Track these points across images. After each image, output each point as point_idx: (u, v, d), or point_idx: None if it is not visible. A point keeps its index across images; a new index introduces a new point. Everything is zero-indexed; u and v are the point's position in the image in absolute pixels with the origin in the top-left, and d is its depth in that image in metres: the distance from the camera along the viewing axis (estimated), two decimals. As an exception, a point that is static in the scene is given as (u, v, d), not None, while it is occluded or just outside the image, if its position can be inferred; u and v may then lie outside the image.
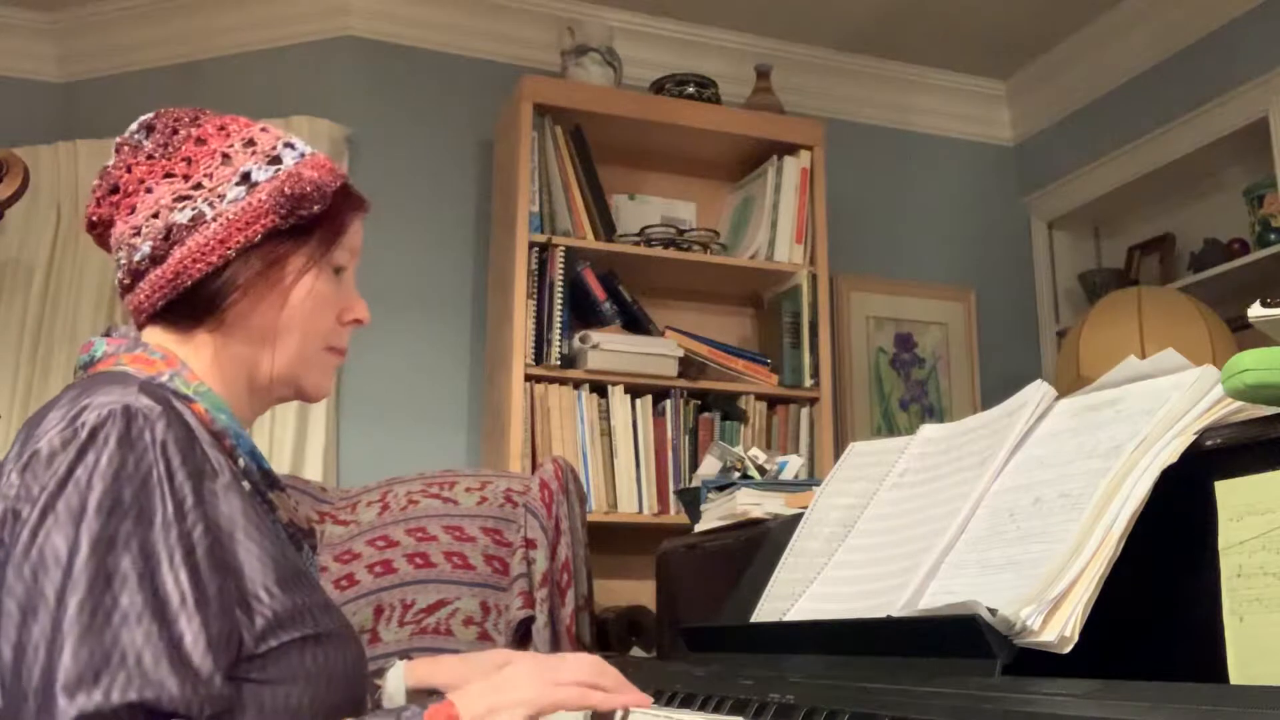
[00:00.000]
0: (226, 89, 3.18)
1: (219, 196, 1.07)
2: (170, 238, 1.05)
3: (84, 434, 0.91)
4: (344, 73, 3.25)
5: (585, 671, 1.04)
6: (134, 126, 1.12)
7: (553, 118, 3.04)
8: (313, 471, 2.89)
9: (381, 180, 3.16)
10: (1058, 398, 1.17)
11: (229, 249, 1.06)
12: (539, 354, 2.87)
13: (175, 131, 1.10)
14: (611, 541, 2.79)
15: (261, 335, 1.10)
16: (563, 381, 2.90)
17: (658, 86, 3.26)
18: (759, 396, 3.08)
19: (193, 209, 1.06)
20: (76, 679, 0.83)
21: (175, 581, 0.89)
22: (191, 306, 1.07)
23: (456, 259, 3.25)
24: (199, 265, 1.05)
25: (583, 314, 3.02)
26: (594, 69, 3.14)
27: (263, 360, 1.11)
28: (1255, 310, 0.93)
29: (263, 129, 1.13)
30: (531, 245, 2.91)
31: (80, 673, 0.83)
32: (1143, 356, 1.08)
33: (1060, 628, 0.90)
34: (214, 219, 1.06)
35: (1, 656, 0.88)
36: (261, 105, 3.07)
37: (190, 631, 0.88)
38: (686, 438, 2.98)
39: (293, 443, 2.90)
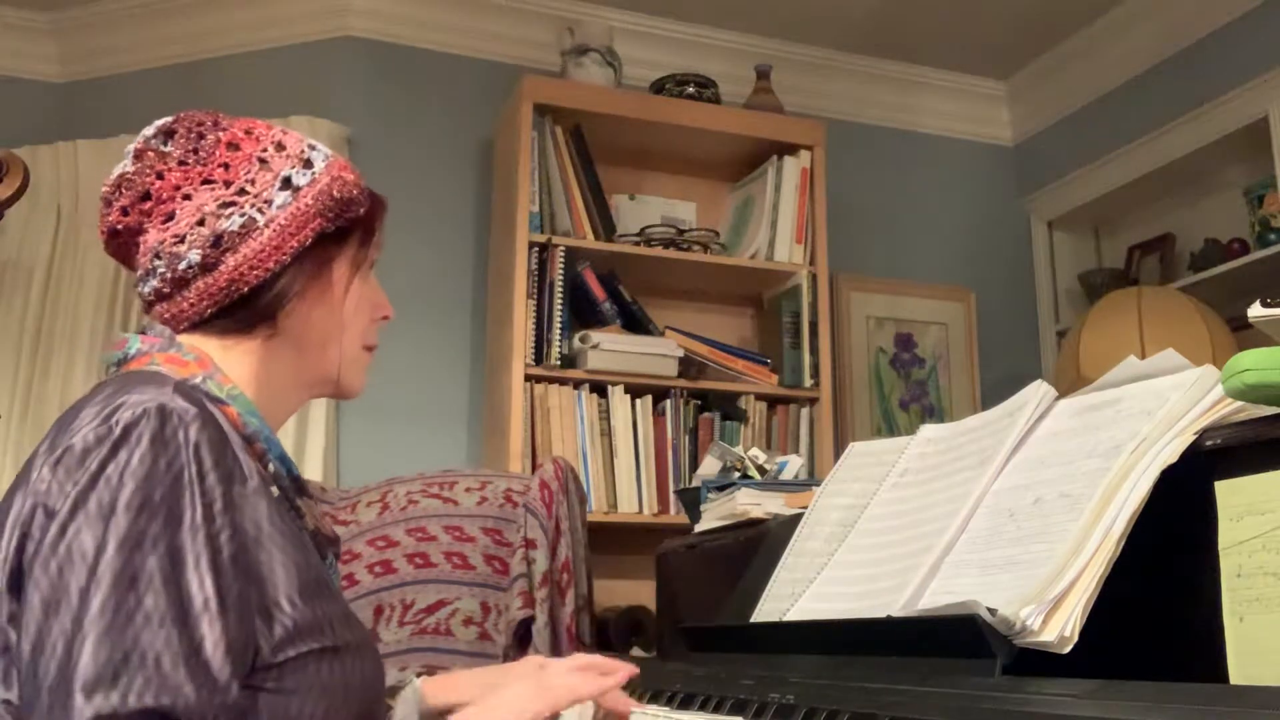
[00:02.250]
0: (226, 89, 3.18)
1: (266, 202, 1.06)
2: (221, 245, 1.04)
3: (118, 431, 0.90)
4: (344, 73, 3.25)
5: (574, 673, 1.09)
6: (150, 131, 1.10)
7: (553, 118, 3.04)
8: (313, 471, 2.89)
9: (381, 180, 3.11)
10: (1058, 398, 1.17)
11: (284, 255, 1.06)
12: (539, 354, 2.87)
13: (202, 136, 1.08)
14: (611, 541, 2.79)
15: (313, 339, 1.11)
16: (563, 381, 2.90)
17: (658, 86, 3.26)
18: (759, 396, 3.08)
19: (241, 215, 1.05)
20: (95, 679, 0.82)
21: (200, 584, 0.88)
22: (245, 313, 1.06)
23: (456, 259, 3.25)
24: (255, 272, 1.05)
25: (583, 314, 3.02)
26: (594, 69, 3.14)
27: (310, 363, 1.13)
28: (1255, 310, 0.93)
29: (283, 131, 1.14)
30: (531, 245, 2.91)
31: (99, 672, 0.82)
32: (1143, 356, 1.08)
33: (1060, 628, 0.90)
34: (266, 225, 1.06)
35: (20, 651, 0.88)
36: (261, 105, 3.07)
37: (211, 636, 0.87)
38: (686, 438, 2.98)
39: (293, 443, 2.90)
